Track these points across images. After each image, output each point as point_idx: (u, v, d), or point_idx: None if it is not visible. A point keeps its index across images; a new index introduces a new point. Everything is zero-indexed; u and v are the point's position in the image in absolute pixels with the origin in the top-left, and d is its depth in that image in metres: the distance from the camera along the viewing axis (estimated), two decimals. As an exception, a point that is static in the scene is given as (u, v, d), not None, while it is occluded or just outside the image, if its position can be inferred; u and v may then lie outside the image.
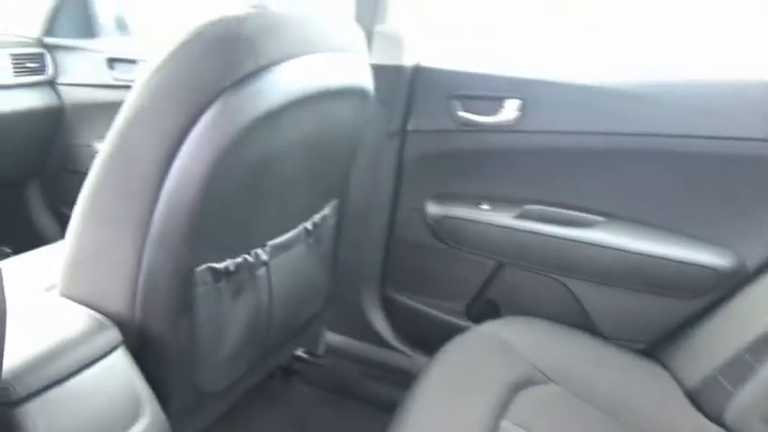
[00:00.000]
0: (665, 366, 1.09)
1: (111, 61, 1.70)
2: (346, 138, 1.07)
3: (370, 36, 1.23)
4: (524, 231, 1.21)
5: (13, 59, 1.62)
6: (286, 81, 0.79)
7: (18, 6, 1.76)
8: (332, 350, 1.46)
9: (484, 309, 1.34)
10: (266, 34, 0.78)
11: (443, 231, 1.31)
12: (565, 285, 1.22)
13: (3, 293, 0.46)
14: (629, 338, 1.17)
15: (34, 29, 1.74)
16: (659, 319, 1.14)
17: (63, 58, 1.77)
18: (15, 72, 1.63)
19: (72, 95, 1.78)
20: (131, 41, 1.84)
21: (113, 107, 0.76)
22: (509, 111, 1.19)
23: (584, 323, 1.21)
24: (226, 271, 0.87)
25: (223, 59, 0.73)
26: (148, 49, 1.64)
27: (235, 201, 0.82)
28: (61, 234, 0.84)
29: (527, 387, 0.93)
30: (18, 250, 1.10)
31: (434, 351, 1.04)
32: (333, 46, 0.92)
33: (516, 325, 1.15)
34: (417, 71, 1.27)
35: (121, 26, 1.87)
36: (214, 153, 0.73)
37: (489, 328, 1.11)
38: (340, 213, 1.20)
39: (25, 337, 0.70)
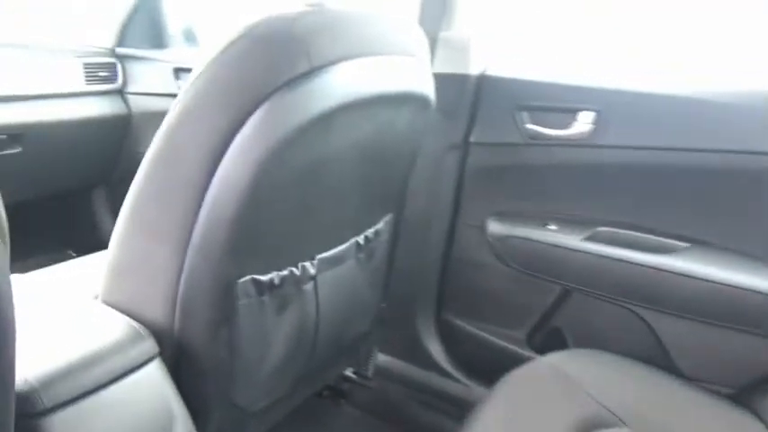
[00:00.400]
0: (758, 416, 0.95)
1: (178, 71, 1.73)
2: (404, 148, 1.01)
3: (433, 42, 1.17)
4: (596, 255, 1.11)
5: (86, 68, 1.67)
6: (340, 83, 0.75)
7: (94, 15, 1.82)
8: (382, 372, 1.39)
9: (548, 338, 1.23)
10: (321, 33, 0.73)
11: (505, 252, 1.22)
12: (640, 317, 1.11)
13: (11, 302, 0.42)
14: (716, 381, 1.04)
15: (108, 39, 1.79)
16: (753, 361, 1.01)
17: (132, 67, 1.81)
18: (87, 80, 1.68)
19: (139, 104, 1.82)
20: (198, 52, 1.86)
21: None
22: (582, 123, 1.10)
23: (662, 361, 1.08)
24: (270, 284, 0.82)
25: (274, 59, 0.70)
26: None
27: (281, 209, 0.78)
28: None
29: (596, 429, 0.83)
30: (82, 254, 1.10)
31: (492, 380, 0.96)
32: (393, 49, 0.87)
33: (584, 358, 1.04)
34: (483, 80, 1.19)
35: (189, 38, 1.91)
36: (261, 157, 0.69)
37: (554, 359, 1.02)
38: (395, 228, 1.14)
39: (58, 344, 0.68)
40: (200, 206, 0.71)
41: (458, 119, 1.20)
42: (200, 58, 0.73)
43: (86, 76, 1.67)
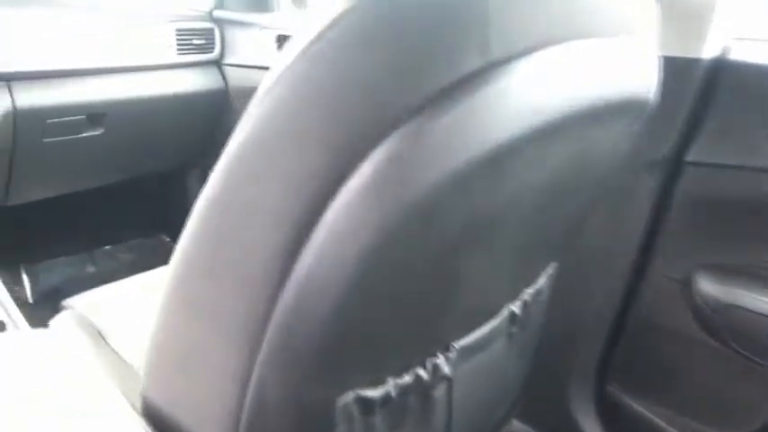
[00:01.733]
0: None
1: (281, 39, 1.45)
2: (594, 175, 0.65)
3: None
4: None
5: (179, 35, 1.44)
6: (529, 89, 0.42)
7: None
8: (514, 441, 1.08)
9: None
10: (508, 3, 0.41)
11: (723, 323, 0.85)
12: None
13: None
14: None
15: (205, 1, 1.55)
16: None
17: (232, 34, 1.56)
18: (180, 50, 1.44)
19: (238, 77, 1.58)
20: (307, 17, 1.58)
21: None
22: None
23: None
24: (384, 399, 0.53)
25: (423, 48, 0.39)
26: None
27: (410, 292, 0.47)
28: None
29: None
30: (176, 240, 0.90)
31: None
32: (607, 26, 0.52)
33: None
34: (720, 67, 0.80)
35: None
36: (384, 220, 0.39)
37: None
38: (557, 280, 0.80)
39: None
40: (279, 290, 0.42)
41: (670, 125, 0.82)
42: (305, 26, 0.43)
43: (179, 45, 1.44)
